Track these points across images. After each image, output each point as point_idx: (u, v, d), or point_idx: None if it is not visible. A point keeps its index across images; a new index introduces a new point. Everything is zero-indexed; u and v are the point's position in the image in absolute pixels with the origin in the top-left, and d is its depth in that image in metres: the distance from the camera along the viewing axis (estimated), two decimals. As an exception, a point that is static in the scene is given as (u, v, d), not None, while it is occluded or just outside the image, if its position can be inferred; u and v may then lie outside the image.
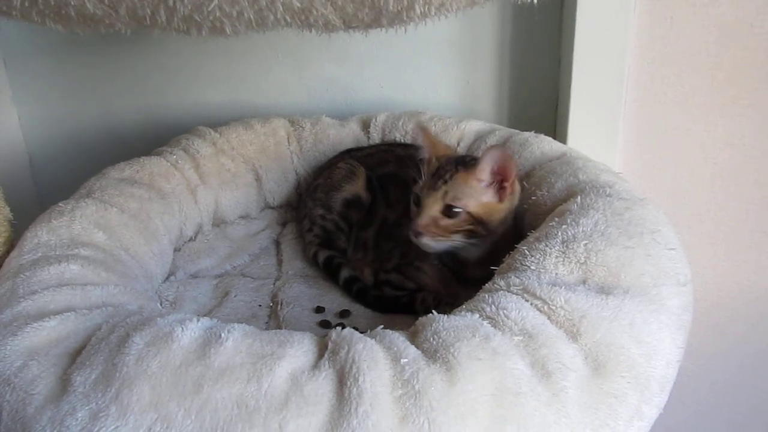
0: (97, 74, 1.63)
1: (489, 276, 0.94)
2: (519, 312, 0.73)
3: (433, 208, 0.97)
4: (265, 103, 1.61)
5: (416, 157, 1.07)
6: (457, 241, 0.98)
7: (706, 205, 1.46)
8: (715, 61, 1.34)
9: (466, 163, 1.01)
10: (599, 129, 1.37)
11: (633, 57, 1.36)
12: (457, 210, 0.96)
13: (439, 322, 0.70)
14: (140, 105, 1.65)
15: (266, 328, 1.02)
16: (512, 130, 1.29)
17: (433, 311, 0.74)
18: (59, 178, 1.70)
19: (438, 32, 1.50)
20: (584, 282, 0.80)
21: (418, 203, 1.00)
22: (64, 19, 0.67)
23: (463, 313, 0.74)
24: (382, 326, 0.73)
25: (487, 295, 0.77)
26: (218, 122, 1.41)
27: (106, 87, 1.64)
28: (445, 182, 0.97)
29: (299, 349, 0.68)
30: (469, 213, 0.97)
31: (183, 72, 1.61)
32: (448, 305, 1.00)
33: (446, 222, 0.97)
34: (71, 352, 0.72)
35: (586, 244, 0.83)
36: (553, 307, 0.75)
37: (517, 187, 1.02)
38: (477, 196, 0.97)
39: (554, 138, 1.24)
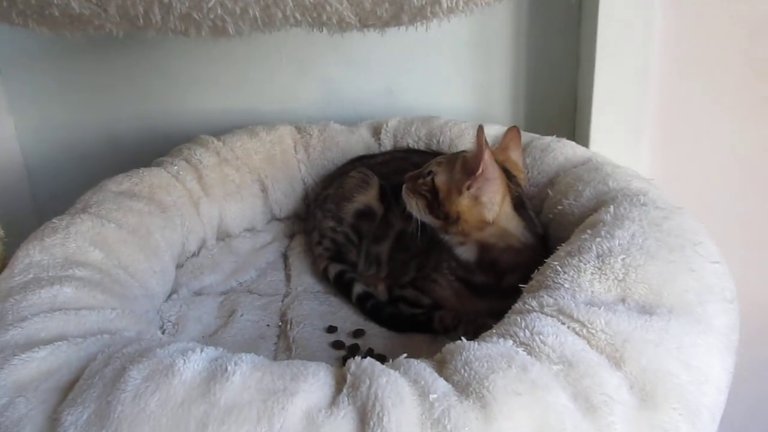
0: (96, 81, 1.58)
1: (496, 286, 0.94)
2: (556, 337, 0.66)
3: (427, 168, 0.99)
4: (270, 109, 1.55)
5: None
6: (414, 206, 0.99)
7: (736, 213, 1.39)
8: (745, 59, 1.28)
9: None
10: (623, 132, 1.31)
11: (658, 55, 1.29)
12: (429, 174, 0.98)
13: (469, 351, 0.63)
14: (140, 112, 1.59)
15: (275, 350, 0.99)
16: (532, 134, 1.22)
17: (463, 338, 0.67)
18: (57, 190, 1.64)
19: (450, 32, 1.45)
20: (623, 300, 0.73)
21: None
22: (48, 20, 0.61)
23: (494, 338, 0.68)
24: (405, 354, 0.66)
25: (519, 318, 0.70)
26: (221, 130, 1.36)
27: (105, 94, 1.59)
28: (448, 160, 0.98)
29: (314, 383, 0.61)
30: (433, 180, 0.97)
31: (184, 78, 1.56)
32: (469, 323, 0.95)
33: (420, 180, 0.99)
34: (62, 386, 0.66)
35: (623, 259, 0.76)
36: (593, 331, 0.68)
37: (493, 203, 0.94)
38: (450, 177, 0.97)
39: (573, 140, 1.18)
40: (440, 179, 0.97)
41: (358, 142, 1.36)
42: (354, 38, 1.47)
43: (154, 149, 1.34)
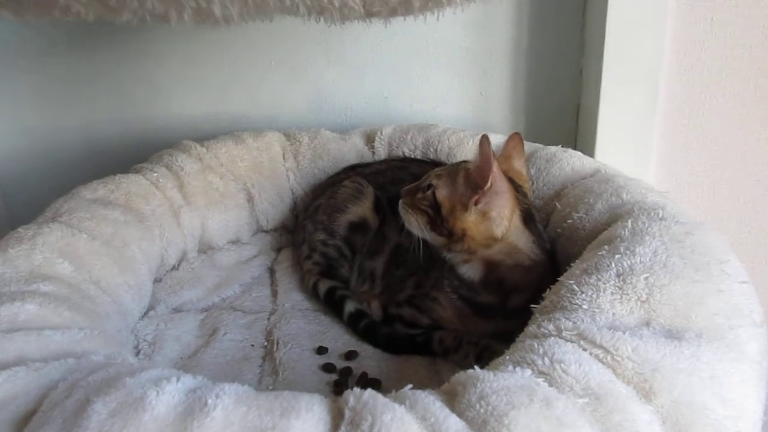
0: (75, 85, 1.51)
1: (501, 306, 0.87)
2: (579, 366, 0.59)
3: (426, 181, 0.93)
4: (259, 116, 1.49)
5: None
6: (414, 222, 0.92)
7: (748, 227, 1.34)
8: (759, 67, 1.23)
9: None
10: (630, 142, 1.26)
11: (668, 63, 1.25)
12: (429, 188, 0.91)
13: (485, 382, 0.56)
14: (121, 118, 1.52)
15: (260, 372, 0.92)
16: (536, 144, 1.17)
17: (475, 366, 0.60)
18: (31, 198, 1.55)
19: (449, 38, 1.40)
20: (647, 324, 0.67)
21: None
22: (11, 2, 0.53)
23: (510, 367, 0.60)
24: (410, 385, 0.59)
25: (536, 344, 0.63)
26: (207, 137, 1.29)
27: (84, 99, 1.52)
28: (448, 173, 0.92)
29: (308, 420, 0.53)
30: (434, 195, 0.90)
31: (169, 82, 1.49)
32: (471, 344, 0.88)
33: (419, 195, 0.92)
34: (17, 419, 0.58)
35: (646, 278, 0.70)
36: (618, 358, 0.62)
37: (502, 217, 0.87)
38: (453, 191, 0.90)
39: (574, 150, 1.13)
40: (442, 194, 0.90)
41: (350, 150, 1.30)
42: (348, 43, 1.45)
43: (136, 156, 1.27)
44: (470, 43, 1.40)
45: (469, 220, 0.87)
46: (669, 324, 0.67)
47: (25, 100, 1.52)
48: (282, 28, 1.42)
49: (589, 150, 1.26)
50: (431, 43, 1.40)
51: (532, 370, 0.59)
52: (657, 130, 1.27)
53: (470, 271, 0.90)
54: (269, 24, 1.41)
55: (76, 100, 1.52)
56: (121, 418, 0.52)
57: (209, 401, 0.53)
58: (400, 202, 0.94)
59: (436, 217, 0.89)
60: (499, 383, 0.56)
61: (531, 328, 0.70)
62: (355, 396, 0.55)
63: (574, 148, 1.28)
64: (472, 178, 0.87)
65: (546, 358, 0.61)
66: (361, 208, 1.09)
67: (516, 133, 1.00)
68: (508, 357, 0.64)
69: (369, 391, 0.56)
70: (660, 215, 0.83)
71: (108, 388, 0.56)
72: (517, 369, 0.59)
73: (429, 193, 0.91)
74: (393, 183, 1.12)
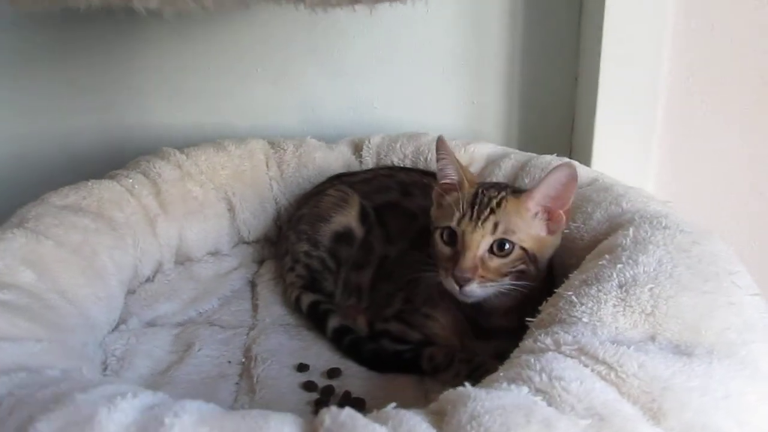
0: (54, 91, 1.47)
1: (513, 327, 0.78)
2: (581, 383, 0.54)
3: (481, 246, 0.79)
4: (244, 125, 1.44)
5: (426, 183, 0.88)
6: (505, 285, 0.80)
7: (751, 238, 1.30)
8: (761, 74, 1.20)
9: (506, 187, 0.85)
10: (628, 150, 1.22)
11: (668, 69, 1.21)
12: (508, 246, 0.79)
13: (477, 401, 0.50)
14: (103, 125, 1.48)
15: (236, 391, 0.87)
16: (529, 153, 1.13)
17: (466, 384, 0.54)
18: (6, 205, 1.50)
19: (440, 45, 1.36)
20: (653, 338, 0.63)
21: (453, 241, 0.82)
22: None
23: (504, 384, 0.54)
24: (394, 404, 0.53)
25: (532, 359, 0.58)
26: (189, 145, 1.24)
27: (63, 105, 1.47)
28: (493, 211, 0.80)
29: (278, 442, 0.47)
30: (523, 249, 0.80)
31: (150, 89, 1.45)
32: (463, 362, 0.83)
33: (496, 262, 0.80)
34: (-44, 438, 0.52)
35: (651, 289, 0.66)
36: (623, 375, 0.57)
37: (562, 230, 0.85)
38: (529, 227, 0.81)
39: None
40: (526, 238, 0.80)
41: (337, 159, 1.26)
42: (338, 50, 1.41)
43: (117, 165, 1.22)
44: (462, 49, 1.37)
45: (554, 243, 0.84)
46: (677, 339, 0.63)
47: (4, 107, 1.48)
48: (270, 36, 1.39)
49: (585, 159, 1.22)
50: (423, 50, 1.37)
51: (529, 387, 0.54)
52: (656, 139, 1.24)
53: (507, 297, 0.82)
54: (257, 31, 1.39)
55: (57, 108, 1.48)
56: (66, 440, 0.46)
57: (166, 420, 0.48)
58: (469, 286, 0.79)
59: (531, 265, 0.81)
60: (492, 402, 0.50)
61: (527, 343, 0.65)
62: (331, 416, 0.50)
63: (569, 156, 1.25)
64: (547, 198, 0.81)
65: (544, 375, 0.55)
66: (346, 218, 1.04)
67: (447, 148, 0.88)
68: (502, 374, 0.59)
69: (347, 411, 0.50)
70: (663, 224, 0.79)
71: (55, 405, 0.50)
72: (513, 386, 0.54)
73: (516, 251, 0.79)
74: (379, 192, 1.07)
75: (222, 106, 1.45)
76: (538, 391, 0.54)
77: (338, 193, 1.07)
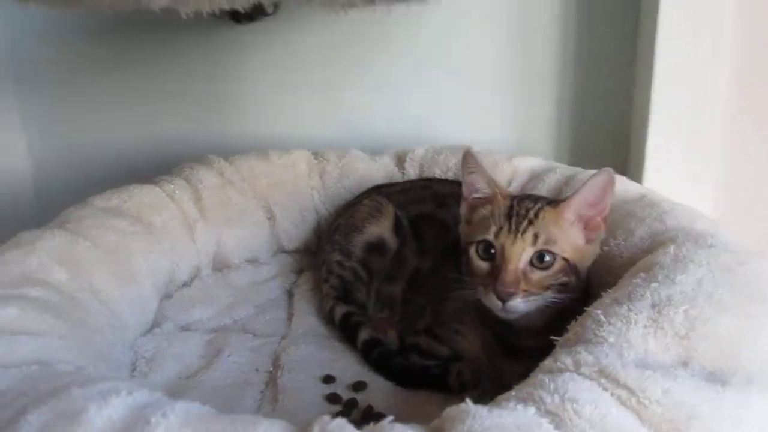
0: (109, 100, 1.53)
1: (546, 347, 0.72)
2: (595, 407, 0.50)
3: (522, 258, 0.76)
4: (292, 135, 1.46)
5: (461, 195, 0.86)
6: (548, 299, 0.76)
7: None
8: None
9: (541, 198, 0.82)
10: (684, 168, 1.15)
11: (728, 78, 1.14)
12: (550, 258, 0.76)
13: (475, 419, 0.47)
14: (154, 133, 1.53)
15: (261, 399, 0.86)
16: (575, 168, 1.08)
17: (468, 400, 0.51)
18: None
19: (489, 55, 1.34)
20: (686, 364, 0.58)
21: (491, 255, 0.78)
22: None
23: (512, 403, 0.51)
24: (390, 418, 0.50)
25: (547, 379, 0.54)
26: (236, 154, 1.25)
27: (117, 114, 1.54)
28: (531, 222, 0.77)
29: (262, 449, 0.45)
30: (564, 260, 0.76)
31: (201, 99, 1.49)
32: (491, 380, 0.79)
33: (538, 275, 0.76)
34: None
35: (686, 310, 0.61)
36: (645, 401, 0.52)
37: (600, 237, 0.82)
38: (568, 237, 0.78)
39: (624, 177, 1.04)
40: (568, 249, 0.77)
41: (379, 171, 1.24)
42: (385, 63, 1.41)
43: (166, 171, 1.24)
44: (511, 60, 1.34)
45: (594, 252, 0.81)
46: (711, 365, 0.58)
47: (63, 116, 1.55)
48: (320, 48, 1.40)
49: (637, 176, 1.16)
50: (471, 61, 1.34)
51: (538, 407, 0.50)
52: (714, 154, 1.15)
53: (540, 313, 0.78)
54: (307, 43, 1.40)
55: (111, 117, 1.54)
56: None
57: (152, 419, 0.47)
58: (512, 301, 0.75)
59: (572, 277, 0.78)
60: (492, 421, 0.47)
61: (547, 362, 0.61)
62: (321, 425, 0.47)
63: (625, 173, 1.18)
64: (586, 205, 0.78)
65: (556, 396, 0.51)
66: (379, 228, 1.02)
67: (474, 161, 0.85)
68: (514, 393, 0.55)
69: (338, 421, 0.48)
70: (708, 242, 0.73)
71: (49, 399, 0.50)
72: (519, 406, 0.50)
73: (557, 262, 0.76)
74: (415, 202, 1.05)
75: (271, 116, 1.47)
76: (547, 412, 0.50)
77: (373, 203, 1.05)
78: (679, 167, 1.14)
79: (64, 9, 0.56)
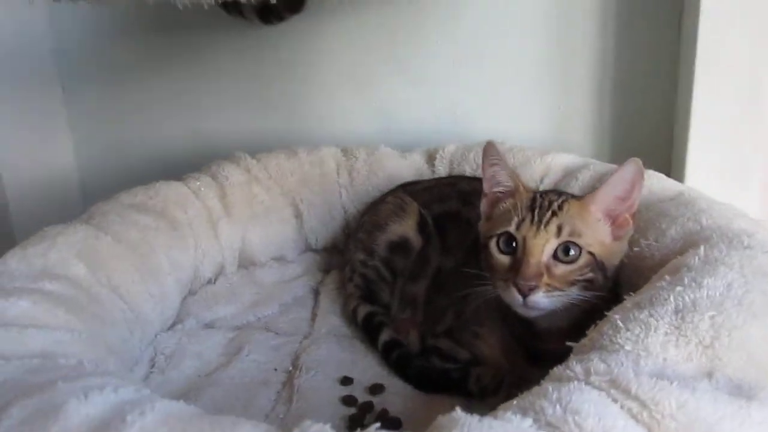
0: (151, 100, 1.56)
1: (568, 352, 0.67)
2: (599, 420, 0.46)
3: (545, 250, 0.72)
4: (322, 131, 1.44)
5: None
6: (573, 296, 0.72)
7: None
8: None
9: (565, 192, 0.79)
10: (729, 166, 1.08)
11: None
12: (575, 251, 0.72)
13: (464, 429, 0.44)
14: (193, 130, 1.55)
15: (276, 399, 0.84)
16: (610, 165, 1.03)
17: (458, 409, 0.48)
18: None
19: (526, 50, 1.29)
20: (710, 375, 0.53)
21: (512, 249, 0.74)
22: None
23: (509, 413, 0.47)
24: (377, 425, 0.47)
25: (551, 387, 0.50)
26: (269, 150, 1.26)
27: (160, 114, 1.57)
28: (555, 214, 0.73)
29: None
30: (591, 254, 0.72)
31: (238, 97, 1.50)
32: (513, 387, 0.75)
33: (563, 269, 0.72)
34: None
35: (713, 317, 0.57)
36: (657, 416, 0.48)
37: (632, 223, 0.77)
38: (594, 232, 0.74)
39: (668, 176, 0.98)
40: (594, 242, 0.73)
41: (408, 168, 1.21)
42: (419, 57, 1.38)
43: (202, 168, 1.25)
44: (548, 53, 1.29)
45: (622, 250, 0.77)
46: (739, 377, 0.53)
47: (107, 116, 1.59)
48: (352, 43, 1.38)
49: (680, 174, 1.09)
50: (507, 56, 1.30)
51: (536, 419, 0.47)
52: (760, 152, 1.07)
53: (565, 314, 0.74)
54: (341, 38, 1.38)
55: (153, 116, 1.57)
56: (29, 427, 0.45)
57: (128, 418, 0.46)
58: (534, 296, 0.71)
59: (599, 273, 0.74)
60: (482, 431, 0.44)
61: (557, 370, 0.57)
62: (301, 430, 0.45)
63: (668, 171, 1.12)
64: (615, 200, 0.75)
65: (558, 407, 0.48)
66: (402, 227, 1.00)
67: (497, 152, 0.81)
68: (515, 402, 0.52)
69: (318, 426, 0.45)
70: (745, 243, 0.68)
71: (35, 393, 0.50)
72: (516, 416, 0.47)
73: (583, 256, 0.72)
74: (440, 201, 1.02)
75: (302, 113, 1.47)
76: (546, 424, 0.46)
77: (396, 200, 1.03)
78: (723, 165, 1.07)
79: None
